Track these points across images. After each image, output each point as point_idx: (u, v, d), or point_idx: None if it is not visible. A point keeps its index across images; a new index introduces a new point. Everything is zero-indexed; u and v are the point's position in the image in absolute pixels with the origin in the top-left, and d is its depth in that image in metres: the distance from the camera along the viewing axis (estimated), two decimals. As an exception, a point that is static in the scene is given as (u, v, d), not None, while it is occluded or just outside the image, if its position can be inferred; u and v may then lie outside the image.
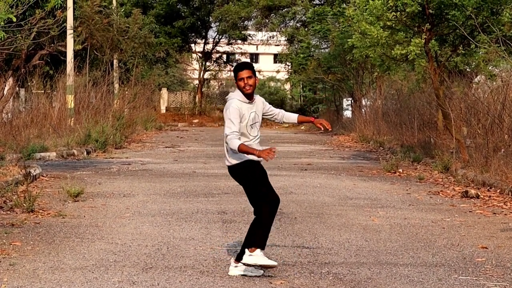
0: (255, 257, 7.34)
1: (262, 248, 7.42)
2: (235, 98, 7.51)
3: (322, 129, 7.76)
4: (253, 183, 7.43)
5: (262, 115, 7.68)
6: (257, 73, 7.89)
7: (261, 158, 7.25)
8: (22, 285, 6.99)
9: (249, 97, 7.51)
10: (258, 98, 7.68)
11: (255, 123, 7.52)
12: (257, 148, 7.41)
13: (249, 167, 7.43)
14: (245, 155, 7.34)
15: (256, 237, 7.37)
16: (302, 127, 43.22)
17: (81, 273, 7.49)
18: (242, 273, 7.44)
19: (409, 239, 9.54)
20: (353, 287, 7.11)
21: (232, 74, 7.69)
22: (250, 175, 7.43)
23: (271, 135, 33.30)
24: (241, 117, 7.40)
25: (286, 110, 8.11)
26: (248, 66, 7.58)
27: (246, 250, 7.40)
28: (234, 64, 57.36)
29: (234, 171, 7.50)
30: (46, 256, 8.25)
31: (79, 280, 7.22)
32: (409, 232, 10.03)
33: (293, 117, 7.87)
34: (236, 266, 7.47)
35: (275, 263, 7.40)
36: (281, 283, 7.21)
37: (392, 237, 9.65)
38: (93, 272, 7.53)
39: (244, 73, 7.48)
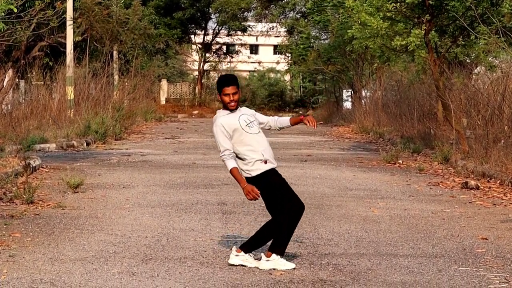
0: (272, 262, 7.37)
1: (281, 256, 7.40)
2: (218, 116, 7.46)
3: (308, 125, 7.60)
4: (272, 196, 7.39)
5: None
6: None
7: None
8: (21, 276, 6.99)
9: (233, 110, 7.45)
10: (245, 108, 7.61)
11: (250, 122, 7.45)
12: (264, 148, 7.38)
13: (266, 180, 7.36)
14: (259, 167, 7.33)
15: (276, 243, 7.39)
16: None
17: (80, 264, 7.49)
18: (242, 263, 7.45)
19: (409, 230, 9.54)
20: (353, 278, 7.12)
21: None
22: (269, 188, 7.37)
23: (271, 126, 33.30)
24: (230, 130, 7.34)
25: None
26: (234, 82, 7.44)
27: (263, 254, 7.45)
28: (234, 55, 57.30)
29: (253, 183, 7.36)
30: (46, 248, 8.25)
31: (79, 271, 7.23)
32: (409, 223, 10.03)
33: (286, 120, 7.73)
34: (237, 255, 7.47)
35: (293, 265, 7.43)
36: (281, 274, 7.21)
37: (392, 228, 9.66)
38: (92, 263, 7.54)
39: (230, 89, 7.38)
